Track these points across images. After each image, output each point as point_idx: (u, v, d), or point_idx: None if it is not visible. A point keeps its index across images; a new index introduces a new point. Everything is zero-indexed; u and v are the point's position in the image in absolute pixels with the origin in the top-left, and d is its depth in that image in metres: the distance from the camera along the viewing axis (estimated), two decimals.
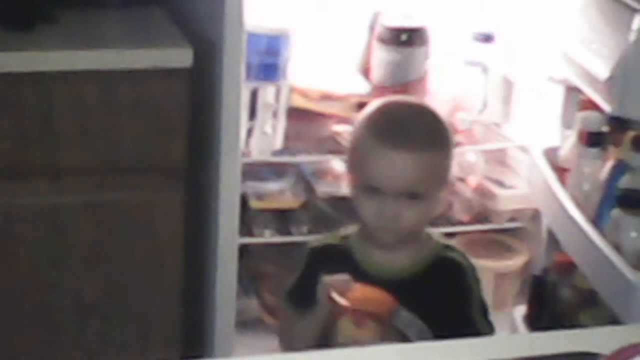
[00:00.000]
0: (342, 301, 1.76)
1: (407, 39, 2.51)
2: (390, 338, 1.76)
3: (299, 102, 2.52)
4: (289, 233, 2.54)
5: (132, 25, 2.51)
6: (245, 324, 2.53)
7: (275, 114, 2.46)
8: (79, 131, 2.33)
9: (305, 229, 2.54)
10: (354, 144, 1.92)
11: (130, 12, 2.55)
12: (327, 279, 1.79)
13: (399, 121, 1.89)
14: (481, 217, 2.64)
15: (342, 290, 1.77)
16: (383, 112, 1.92)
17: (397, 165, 1.82)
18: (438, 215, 2.55)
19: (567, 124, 2.44)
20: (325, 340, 1.82)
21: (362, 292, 1.79)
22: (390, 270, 1.85)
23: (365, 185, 1.84)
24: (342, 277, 1.79)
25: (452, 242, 2.05)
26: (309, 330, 1.86)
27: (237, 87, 2.30)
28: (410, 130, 1.88)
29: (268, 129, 2.46)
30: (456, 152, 2.55)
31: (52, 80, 2.29)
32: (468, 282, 1.87)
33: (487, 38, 2.58)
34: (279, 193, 2.53)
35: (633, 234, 2.05)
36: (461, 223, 2.63)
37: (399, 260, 1.86)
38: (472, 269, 1.91)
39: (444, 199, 1.96)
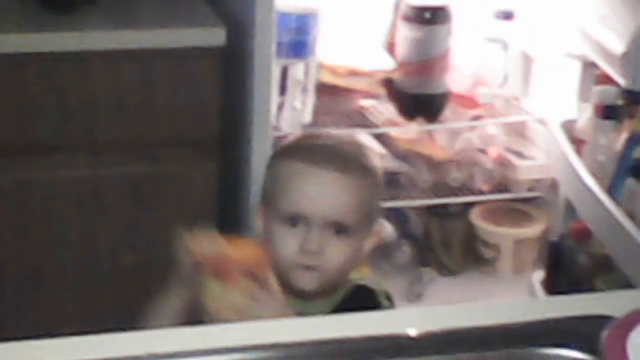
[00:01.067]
0: (205, 257, 1.46)
1: (430, 17, 2.49)
2: (268, 300, 1.45)
3: (327, 78, 2.52)
4: None
5: (168, 6, 2.51)
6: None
7: (304, 90, 2.46)
8: (117, 107, 2.36)
9: None
10: (272, 173, 1.64)
11: None
12: (186, 234, 1.48)
13: (328, 144, 1.64)
14: (501, 186, 2.63)
15: (206, 247, 1.46)
16: (310, 138, 1.75)
17: (326, 186, 1.56)
18: (460, 186, 2.61)
19: (583, 97, 2.44)
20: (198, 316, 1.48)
21: (230, 247, 1.47)
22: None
23: (286, 216, 1.55)
24: (206, 232, 1.48)
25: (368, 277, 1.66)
26: (175, 305, 1.52)
27: (268, 64, 2.31)
28: (340, 152, 1.62)
29: (298, 104, 2.46)
30: (477, 124, 2.63)
31: (93, 59, 2.32)
32: (379, 301, 1.57)
33: (507, 15, 2.58)
34: None
35: None
36: (482, 192, 2.62)
37: (316, 312, 1.52)
38: (385, 292, 1.60)
39: (368, 245, 1.62)
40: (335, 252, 1.54)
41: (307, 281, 1.53)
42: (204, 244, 1.45)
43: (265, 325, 1.30)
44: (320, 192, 1.55)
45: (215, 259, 1.44)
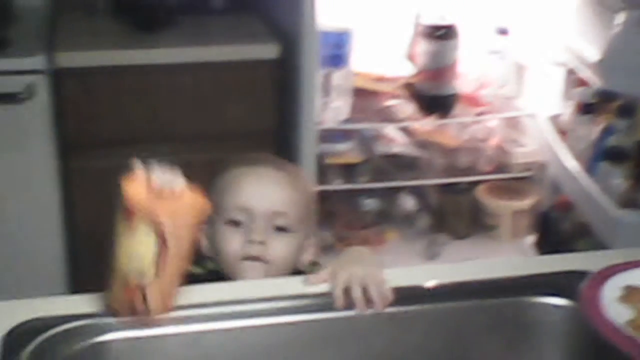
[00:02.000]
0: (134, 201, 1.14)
1: (442, 34, 2.49)
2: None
3: (360, 82, 2.52)
4: (353, 182, 2.52)
5: (233, 27, 2.52)
6: (322, 250, 2.51)
7: (342, 93, 2.45)
8: (194, 107, 2.37)
9: (365, 178, 2.53)
10: (217, 182, 1.47)
11: (231, 17, 2.57)
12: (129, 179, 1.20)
13: (266, 155, 1.55)
14: (500, 168, 2.62)
15: (139, 191, 1.16)
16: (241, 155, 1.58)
17: (266, 181, 1.44)
18: (467, 168, 2.61)
19: (566, 97, 2.43)
20: None
21: (165, 193, 1.15)
22: None
23: (231, 215, 1.42)
24: (170, 172, 1.19)
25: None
26: None
27: (313, 73, 2.31)
28: (275, 158, 1.55)
29: (337, 103, 2.46)
30: (481, 119, 2.62)
31: (175, 69, 2.33)
32: None
33: (504, 32, 2.57)
34: (346, 152, 2.52)
35: (617, 181, 2.05)
36: (485, 173, 2.61)
37: None
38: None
39: (310, 246, 1.49)
40: (277, 245, 1.40)
41: (254, 273, 1.39)
42: (140, 188, 1.17)
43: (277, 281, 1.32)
44: (261, 187, 1.44)
45: (143, 203, 1.15)
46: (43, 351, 1.12)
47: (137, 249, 1.13)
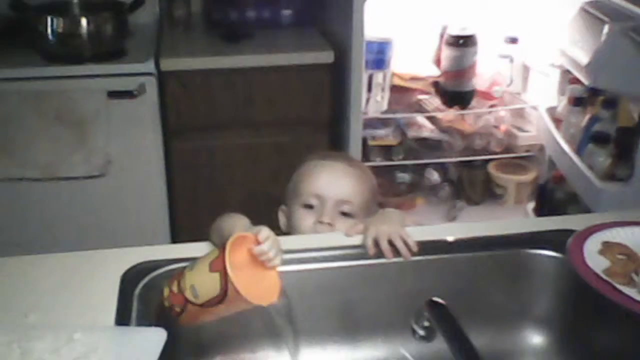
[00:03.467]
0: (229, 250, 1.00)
1: (463, 42, 2.48)
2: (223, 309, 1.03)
3: (397, 81, 2.51)
4: (390, 159, 2.52)
5: (297, 38, 2.51)
6: None
7: (383, 89, 2.44)
8: (268, 101, 2.37)
9: (400, 157, 2.52)
10: (297, 171, 1.46)
11: (295, 30, 2.55)
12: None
13: (339, 152, 1.47)
14: (508, 149, 2.59)
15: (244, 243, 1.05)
16: (322, 151, 1.59)
17: (337, 173, 1.41)
18: (481, 149, 2.58)
19: (561, 92, 2.41)
20: None
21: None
22: None
23: (307, 199, 1.39)
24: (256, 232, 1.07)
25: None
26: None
27: (360, 74, 2.30)
28: (347, 155, 1.49)
29: (378, 98, 2.45)
30: (493, 110, 2.60)
31: (252, 72, 2.33)
32: None
33: (513, 40, 2.54)
34: (385, 136, 2.51)
35: (600, 159, 2.04)
36: (495, 153, 2.59)
37: None
38: None
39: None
40: (341, 227, 1.35)
41: None
42: (242, 246, 1.05)
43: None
44: (333, 177, 1.40)
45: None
46: (151, 287, 1.15)
47: (207, 278, 1.02)
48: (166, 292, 1.06)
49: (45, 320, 1.06)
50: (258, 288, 1.02)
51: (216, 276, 1.00)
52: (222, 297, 0.99)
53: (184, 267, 1.06)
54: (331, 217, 1.38)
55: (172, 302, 1.04)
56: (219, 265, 0.99)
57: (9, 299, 1.11)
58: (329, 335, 1.26)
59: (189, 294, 1.02)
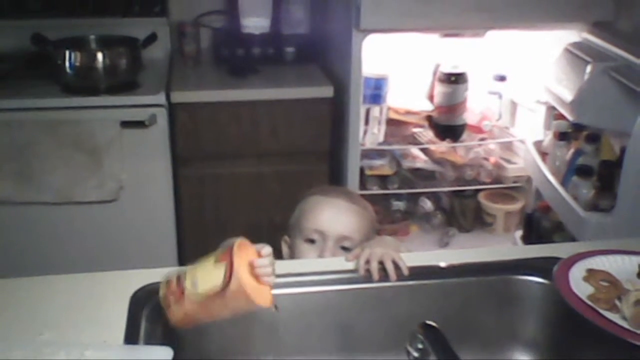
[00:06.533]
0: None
1: (455, 80, 2.49)
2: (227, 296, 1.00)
3: (393, 115, 2.51)
4: (386, 188, 2.51)
5: (299, 73, 2.51)
6: None
7: (379, 122, 2.45)
8: (271, 132, 2.36)
9: (395, 186, 2.51)
10: (300, 206, 1.44)
11: (298, 67, 2.55)
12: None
13: (340, 188, 1.47)
14: (497, 180, 2.60)
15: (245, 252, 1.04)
16: (323, 186, 1.58)
17: (339, 210, 1.39)
18: (471, 179, 2.57)
19: (547, 127, 2.41)
20: None
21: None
22: None
23: (308, 234, 1.38)
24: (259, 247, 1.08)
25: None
26: None
27: (358, 107, 2.30)
28: (348, 191, 1.53)
29: (375, 130, 2.46)
30: (483, 143, 2.60)
31: (257, 104, 2.32)
32: None
33: (502, 78, 2.56)
34: (381, 166, 2.51)
35: (584, 191, 2.03)
36: (485, 183, 2.59)
37: None
38: None
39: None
40: None
41: None
42: (245, 255, 1.05)
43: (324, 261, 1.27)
44: (334, 214, 1.39)
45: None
46: (159, 308, 1.12)
47: (211, 269, 1.01)
48: (162, 291, 1.04)
49: (59, 338, 1.06)
50: (255, 294, 1.02)
51: (221, 267, 0.99)
52: (223, 287, 0.99)
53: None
54: (332, 253, 1.37)
55: (168, 296, 1.03)
56: (225, 258, 1.00)
57: (24, 317, 1.11)
58: (327, 355, 1.24)
59: (188, 284, 1.01)
